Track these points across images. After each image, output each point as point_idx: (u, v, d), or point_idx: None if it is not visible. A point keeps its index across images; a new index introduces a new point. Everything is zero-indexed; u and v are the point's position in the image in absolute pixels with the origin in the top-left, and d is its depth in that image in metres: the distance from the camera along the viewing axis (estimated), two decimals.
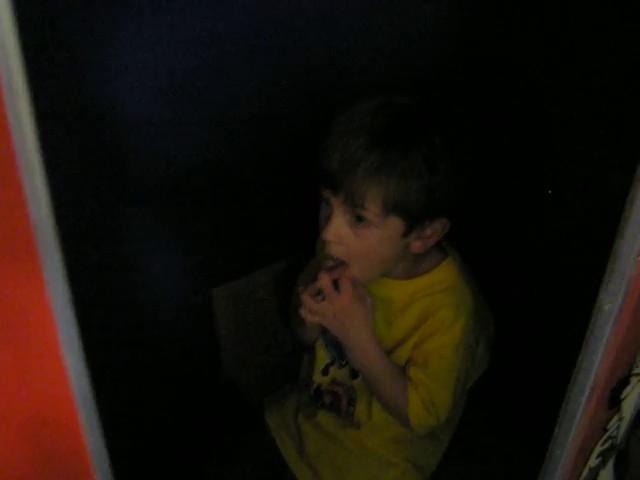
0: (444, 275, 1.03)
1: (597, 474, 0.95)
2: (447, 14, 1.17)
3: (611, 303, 0.63)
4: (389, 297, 1.02)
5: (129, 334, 1.08)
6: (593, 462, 0.88)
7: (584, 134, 0.99)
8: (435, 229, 0.97)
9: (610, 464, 0.97)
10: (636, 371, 0.81)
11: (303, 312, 0.97)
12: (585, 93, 0.99)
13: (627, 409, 0.86)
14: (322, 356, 1.12)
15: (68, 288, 0.37)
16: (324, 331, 1.09)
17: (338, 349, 1.08)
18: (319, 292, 0.96)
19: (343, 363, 1.10)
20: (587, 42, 0.97)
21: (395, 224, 0.93)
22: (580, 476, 0.88)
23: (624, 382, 0.79)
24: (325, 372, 1.12)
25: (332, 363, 1.11)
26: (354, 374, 1.10)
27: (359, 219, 0.92)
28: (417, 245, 0.98)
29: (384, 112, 0.91)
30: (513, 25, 1.10)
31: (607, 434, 0.86)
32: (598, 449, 0.87)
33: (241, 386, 1.36)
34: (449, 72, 1.16)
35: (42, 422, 0.44)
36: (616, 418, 0.85)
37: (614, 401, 0.80)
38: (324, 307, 0.96)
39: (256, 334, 1.34)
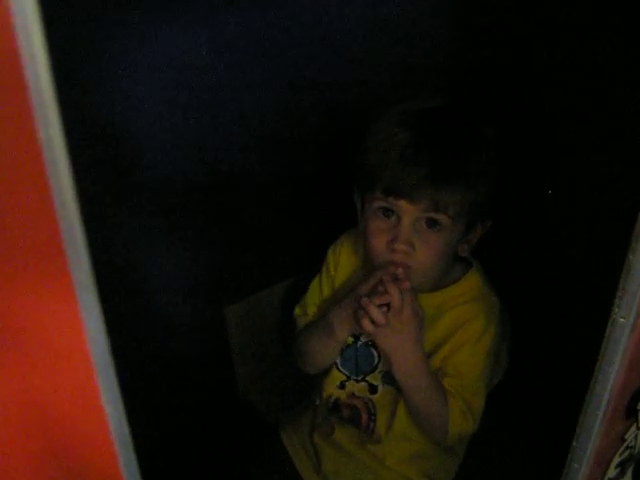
0: (471, 285, 1.03)
1: None
2: (447, 15, 1.17)
3: (624, 318, 0.64)
4: None
5: (142, 354, 1.08)
6: (612, 473, 0.88)
7: (598, 149, 1.00)
8: (478, 230, 1.00)
9: (629, 474, 0.97)
10: None
11: (366, 323, 0.94)
12: (590, 94, 0.99)
13: None
14: (336, 375, 1.12)
15: (97, 299, 0.38)
16: (341, 353, 1.08)
17: (353, 368, 1.08)
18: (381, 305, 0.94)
19: (359, 379, 1.09)
20: (590, 42, 0.97)
21: (460, 226, 0.95)
22: None
23: None
24: (342, 387, 1.12)
25: (348, 379, 1.11)
26: (372, 389, 1.09)
27: (433, 225, 0.93)
28: (463, 248, 1.01)
29: (433, 117, 0.94)
30: (514, 26, 1.10)
31: (625, 444, 0.86)
32: (617, 460, 0.87)
33: (256, 404, 1.36)
34: (448, 74, 1.17)
35: (73, 433, 0.45)
36: (634, 428, 0.85)
37: (631, 412, 0.80)
38: (389, 319, 0.94)
39: (269, 351, 1.35)
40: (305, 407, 1.26)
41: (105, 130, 0.93)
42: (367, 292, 0.95)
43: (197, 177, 1.07)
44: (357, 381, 1.10)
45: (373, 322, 0.94)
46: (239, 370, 1.32)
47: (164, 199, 1.06)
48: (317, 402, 1.17)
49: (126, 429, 0.47)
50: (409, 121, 0.93)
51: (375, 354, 1.08)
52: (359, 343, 1.08)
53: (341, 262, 1.12)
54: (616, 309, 0.63)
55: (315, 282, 1.15)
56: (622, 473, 0.92)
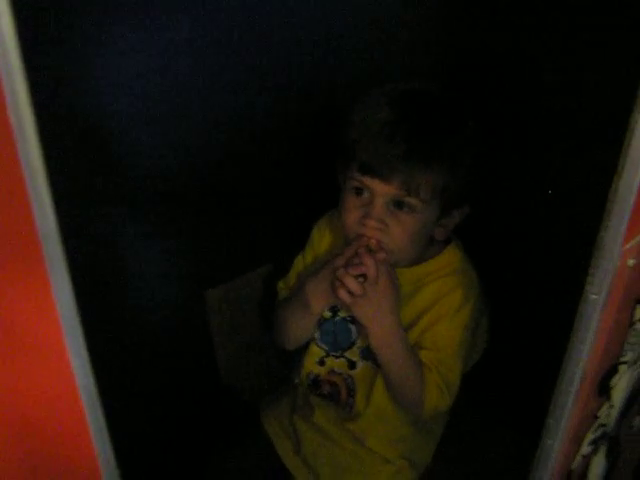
0: (449, 259, 1.04)
1: (589, 461, 0.96)
2: (443, 12, 1.18)
3: (596, 295, 0.65)
4: None
5: (123, 338, 1.09)
6: (585, 450, 0.90)
7: (569, 130, 1.01)
8: (456, 215, 1.00)
9: (602, 451, 0.98)
10: (624, 359, 0.82)
11: (342, 293, 0.95)
12: (570, 91, 1.01)
13: (617, 397, 0.88)
14: (315, 351, 1.13)
15: (72, 292, 0.38)
16: (319, 326, 1.09)
17: (331, 344, 1.09)
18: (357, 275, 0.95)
19: (338, 355, 1.10)
20: (587, 40, 0.98)
21: (433, 210, 0.96)
22: (572, 464, 0.90)
23: (613, 370, 0.81)
24: (321, 363, 1.13)
25: (327, 355, 1.12)
26: (351, 365, 1.10)
27: (400, 206, 0.93)
28: (440, 232, 1.01)
29: (417, 99, 0.95)
30: (510, 23, 1.11)
31: (598, 422, 0.88)
32: (590, 437, 0.88)
33: (237, 387, 1.37)
34: (443, 72, 1.17)
35: (49, 421, 0.45)
36: (606, 406, 0.87)
37: (604, 389, 0.82)
38: (365, 289, 0.95)
39: (249, 335, 1.35)
40: (285, 390, 1.27)
41: (81, 118, 0.93)
42: (343, 264, 0.96)
43: (176, 165, 1.07)
44: (336, 357, 1.11)
45: (350, 293, 0.95)
46: (220, 354, 1.32)
47: (143, 187, 1.05)
48: (296, 381, 1.18)
49: (101, 416, 0.47)
50: (392, 101, 0.93)
51: (353, 330, 1.09)
52: (337, 318, 1.09)
53: (324, 239, 1.13)
54: (588, 286, 0.64)
55: (299, 258, 1.16)
56: (595, 450, 0.94)
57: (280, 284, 1.18)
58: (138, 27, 0.92)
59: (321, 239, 1.14)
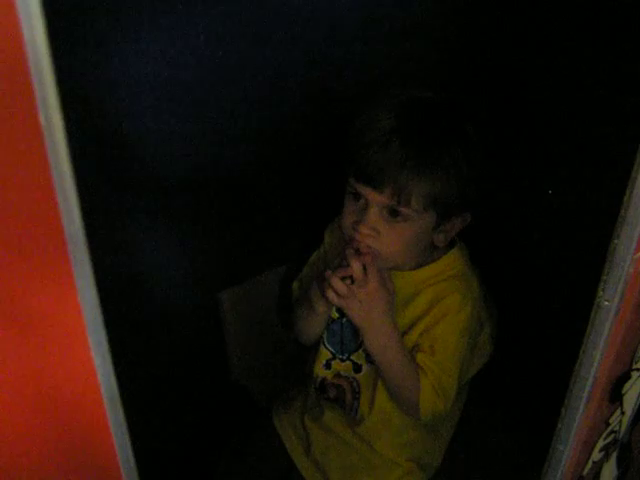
0: (450, 263, 1.04)
1: (600, 468, 0.96)
2: (450, 15, 1.18)
3: (609, 301, 0.65)
4: (396, 287, 1.02)
5: (137, 339, 1.10)
6: (596, 456, 0.90)
7: (582, 133, 1.01)
8: (457, 222, 1.00)
9: (613, 458, 0.98)
10: (636, 366, 0.82)
11: (330, 295, 0.96)
12: (582, 93, 1.00)
13: (628, 403, 0.87)
14: (322, 352, 1.13)
15: (95, 288, 0.39)
16: (327, 326, 1.10)
17: (338, 345, 1.10)
18: (345, 277, 0.96)
19: (344, 358, 1.11)
20: (588, 42, 0.98)
21: (429, 219, 0.95)
22: (584, 470, 0.89)
23: (625, 377, 0.81)
24: (327, 366, 1.13)
25: (333, 358, 1.13)
26: (356, 368, 1.11)
27: (395, 214, 0.94)
28: (439, 238, 1.01)
29: (419, 108, 0.94)
30: (512, 27, 1.11)
31: (609, 428, 0.88)
32: (601, 443, 0.88)
33: (249, 388, 1.38)
34: (446, 74, 1.18)
35: (71, 413, 0.46)
36: (618, 412, 0.87)
37: (615, 395, 0.82)
38: (353, 291, 0.96)
39: (263, 336, 1.36)
40: (297, 391, 1.27)
41: (99, 121, 0.94)
42: (335, 266, 0.98)
43: (191, 168, 1.08)
44: (342, 360, 1.12)
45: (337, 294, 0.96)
46: (232, 355, 1.33)
47: (159, 190, 1.06)
48: (310, 384, 1.19)
49: (120, 412, 0.48)
50: (392, 109, 0.93)
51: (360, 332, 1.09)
52: (344, 319, 1.10)
53: (335, 241, 1.14)
54: (601, 292, 0.64)
55: (312, 259, 1.17)
56: (606, 456, 0.94)
57: (294, 285, 1.19)
58: (150, 27, 0.93)
59: (332, 241, 1.14)
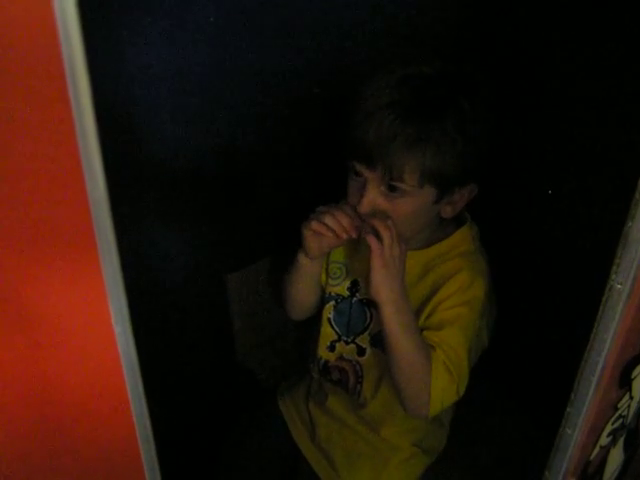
0: (459, 241, 1.04)
1: (608, 453, 0.96)
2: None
3: (621, 284, 0.65)
4: (406, 267, 0.98)
5: (144, 323, 1.09)
6: (604, 441, 0.90)
7: (595, 119, 1.00)
8: (463, 194, 0.99)
9: (620, 443, 0.98)
10: None
11: (371, 238, 0.92)
12: (589, 86, 1.00)
13: (638, 388, 0.87)
14: (328, 332, 1.13)
15: (121, 277, 0.39)
16: (335, 305, 1.10)
17: (345, 326, 1.10)
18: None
19: (349, 340, 1.11)
20: (595, 38, 0.97)
21: (429, 192, 0.94)
22: (591, 455, 0.89)
23: (635, 361, 0.80)
24: (332, 348, 1.13)
25: (338, 340, 1.13)
26: (360, 351, 1.11)
27: (393, 189, 0.93)
28: (447, 210, 1.00)
29: (411, 84, 0.93)
30: (519, 20, 1.10)
31: (618, 413, 0.88)
32: (609, 428, 0.88)
33: (255, 371, 1.38)
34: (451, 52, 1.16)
35: (95, 398, 0.47)
36: (627, 397, 0.87)
37: (625, 380, 0.81)
38: (387, 252, 0.92)
39: (269, 319, 1.36)
40: (302, 375, 1.28)
41: (114, 110, 0.93)
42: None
43: (196, 155, 1.08)
44: (346, 342, 1.11)
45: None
46: (238, 338, 1.33)
47: (165, 173, 1.06)
48: (311, 365, 1.19)
49: (141, 389, 0.49)
50: (387, 85, 0.92)
51: (368, 313, 1.09)
52: (354, 299, 1.09)
53: None
54: (613, 275, 0.64)
55: None
56: (614, 441, 0.94)
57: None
58: (162, 21, 0.92)
59: None
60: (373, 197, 0.94)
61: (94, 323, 0.43)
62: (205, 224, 1.17)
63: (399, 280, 0.94)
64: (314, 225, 0.96)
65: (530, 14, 1.08)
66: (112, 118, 0.94)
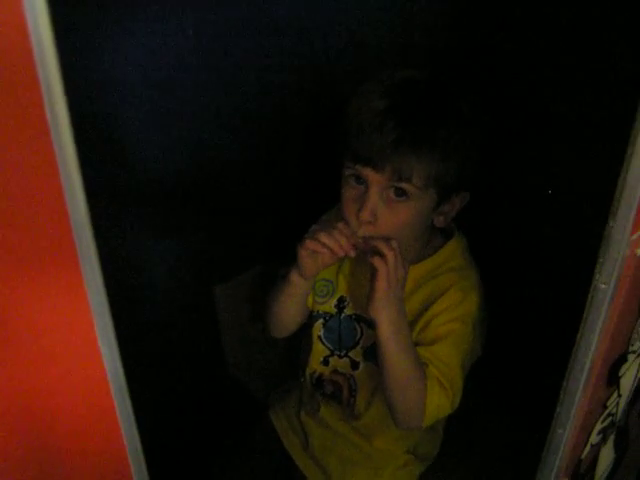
0: (449, 255, 1.04)
1: (598, 451, 0.97)
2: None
3: (605, 284, 0.65)
4: None
5: (132, 335, 1.09)
6: (594, 439, 0.90)
7: (576, 120, 1.01)
8: (456, 202, 0.99)
9: (611, 441, 0.99)
10: (633, 348, 0.83)
11: (376, 259, 0.91)
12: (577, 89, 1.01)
13: (625, 386, 0.88)
14: (319, 349, 1.13)
15: (103, 285, 0.39)
16: (324, 323, 1.10)
17: (336, 342, 1.10)
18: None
19: (342, 354, 1.11)
20: (589, 39, 0.98)
21: (430, 198, 0.95)
22: (582, 454, 0.90)
23: (622, 359, 0.81)
24: (325, 363, 1.13)
25: (331, 354, 1.12)
26: (354, 364, 1.11)
27: (399, 194, 0.93)
28: (440, 220, 1.00)
29: (411, 87, 0.94)
30: (511, 23, 1.11)
31: (607, 411, 0.88)
32: (599, 426, 0.89)
33: (245, 383, 1.37)
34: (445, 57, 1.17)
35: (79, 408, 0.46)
36: (615, 395, 0.87)
37: (613, 378, 0.82)
38: (392, 275, 0.91)
39: (257, 331, 1.35)
40: (293, 386, 1.27)
41: (93, 121, 0.93)
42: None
43: (184, 162, 1.08)
44: (340, 357, 1.11)
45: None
46: (227, 349, 1.33)
47: (152, 184, 1.06)
48: (302, 379, 1.18)
49: (129, 406, 0.49)
50: (385, 89, 0.93)
51: (358, 328, 1.09)
52: (343, 315, 1.09)
53: None
54: (597, 275, 0.64)
55: None
56: (604, 440, 0.94)
57: (281, 271, 1.16)
58: (144, 24, 0.92)
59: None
60: (375, 203, 0.93)
61: (79, 342, 0.43)
62: (192, 235, 1.17)
63: (400, 301, 0.94)
64: (310, 244, 0.94)
65: (522, 19, 1.09)
66: (92, 130, 0.94)
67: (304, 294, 1.06)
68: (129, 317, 1.04)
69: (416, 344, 0.98)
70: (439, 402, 0.95)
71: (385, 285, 0.90)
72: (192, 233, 1.16)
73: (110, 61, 0.91)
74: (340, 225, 0.94)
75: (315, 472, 1.19)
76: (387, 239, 0.93)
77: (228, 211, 1.18)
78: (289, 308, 1.09)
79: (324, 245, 0.93)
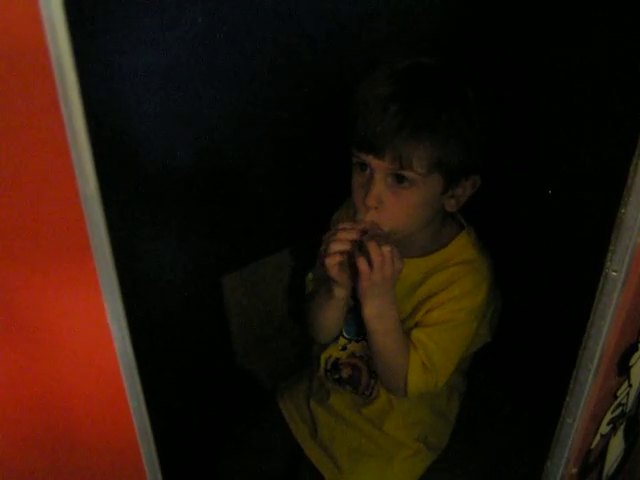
0: (460, 248, 1.04)
1: (608, 442, 0.96)
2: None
3: (616, 272, 0.65)
4: (404, 275, 0.99)
5: (141, 325, 1.09)
6: (604, 429, 0.90)
7: (588, 107, 1.00)
8: (467, 186, 0.99)
9: (621, 431, 0.99)
10: None
11: (361, 261, 0.92)
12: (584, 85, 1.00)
13: (636, 376, 0.87)
14: (340, 341, 1.13)
15: (116, 280, 0.39)
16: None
17: (356, 332, 1.09)
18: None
19: (359, 339, 1.11)
20: (591, 35, 0.97)
21: (436, 182, 0.94)
22: (592, 444, 0.90)
23: (632, 349, 0.81)
24: (343, 348, 1.13)
25: (349, 342, 1.12)
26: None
27: (401, 180, 0.93)
28: (451, 203, 1.00)
29: (417, 73, 0.94)
30: (513, 19, 1.10)
31: (617, 401, 0.88)
32: (609, 416, 0.88)
33: (253, 372, 1.38)
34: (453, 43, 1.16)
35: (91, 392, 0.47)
36: (625, 385, 0.87)
37: (623, 368, 0.81)
38: (376, 275, 0.93)
39: (265, 320, 1.36)
40: (302, 374, 1.27)
41: (105, 122, 0.93)
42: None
43: (194, 152, 1.08)
44: (357, 341, 1.11)
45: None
46: (235, 339, 1.33)
47: (161, 177, 1.06)
48: (317, 366, 1.18)
49: (141, 395, 0.49)
50: (390, 77, 0.93)
51: None
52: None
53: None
54: (608, 263, 0.64)
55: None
56: (614, 430, 0.94)
57: (308, 276, 1.17)
58: (150, 23, 0.92)
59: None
60: (380, 189, 0.93)
61: (90, 324, 0.43)
62: (200, 225, 1.17)
63: (387, 296, 0.96)
64: (331, 260, 0.94)
65: (527, 15, 1.08)
66: (101, 121, 0.94)
67: (346, 299, 1.06)
68: (138, 303, 1.05)
69: (416, 325, 1.02)
70: (419, 381, 1.01)
71: (367, 284, 0.93)
72: (201, 223, 1.17)
73: (117, 53, 0.91)
74: (340, 226, 0.95)
75: (324, 461, 1.19)
76: (385, 237, 0.93)
77: (235, 202, 1.18)
78: (335, 317, 1.08)
79: (341, 252, 0.93)
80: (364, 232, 0.93)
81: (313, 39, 1.10)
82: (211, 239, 1.19)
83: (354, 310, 1.08)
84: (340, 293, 1.01)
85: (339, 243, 0.93)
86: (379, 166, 0.92)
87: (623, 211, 0.61)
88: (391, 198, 0.94)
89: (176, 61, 0.97)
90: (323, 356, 1.14)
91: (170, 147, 1.05)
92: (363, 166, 0.95)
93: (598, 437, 0.90)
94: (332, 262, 0.94)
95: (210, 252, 1.21)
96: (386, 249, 0.91)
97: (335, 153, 1.11)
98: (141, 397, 0.48)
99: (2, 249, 0.38)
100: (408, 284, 1.02)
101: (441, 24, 1.18)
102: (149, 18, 0.92)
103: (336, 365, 1.14)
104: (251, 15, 1.02)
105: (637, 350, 0.82)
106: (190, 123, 1.05)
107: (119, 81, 0.93)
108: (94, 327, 0.43)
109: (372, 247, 0.91)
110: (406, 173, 0.92)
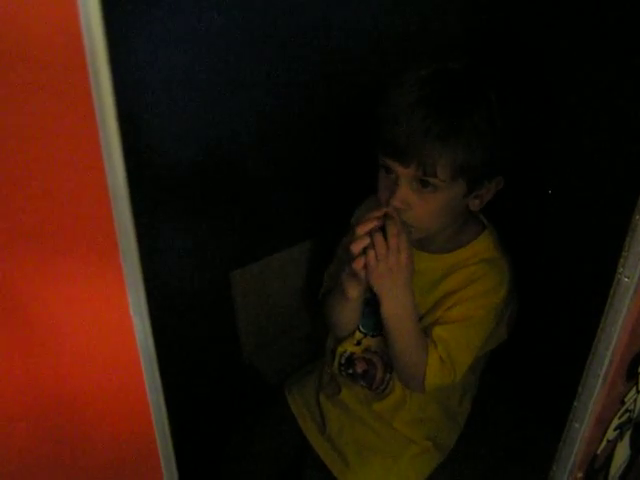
0: (482, 247, 1.05)
1: (614, 447, 0.96)
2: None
3: (629, 278, 0.65)
4: (425, 269, 1.03)
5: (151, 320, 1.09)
6: (611, 435, 0.90)
7: (603, 113, 1.00)
8: (491, 187, 1.00)
9: (627, 437, 0.98)
10: None
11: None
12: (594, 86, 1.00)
13: None
14: (356, 336, 1.14)
15: (141, 275, 0.40)
16: (363, 312, 1.10)
17: (373, 327, 1.10)
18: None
19: (375, 334, 1.11)
20: (600, 36, 0.97)
21: (459, 186, 0.96)
22: (598, 449, 0.89)
23: None
24: (358, 343, 1.14)
25: (365, 336, 1.13)
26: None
27: (425, 185, 0.94)
28: (475, 203, 1.02)
29: (440, 79, 0.95)
30: (525, 22, 1.10)
31: (624, 407, 0.88)
32: (616, 422, 0.88)
33: (261, 368, 1.38)
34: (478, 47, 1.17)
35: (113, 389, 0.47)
36: (634, 391, 0.87)
37: (632, 374, 0.81)
38: (388, 258, 0.95)
39: (273, 316, 1.36)
40: (311, 369, 1.28)
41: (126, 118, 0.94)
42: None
43: (203, 149, 1.08)
44: (373, 336, 1.12)
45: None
46: (243, 336, 1.33)
47: (171, 173, 1.07)
48: (329, 360, 1.19)
49: (158, 382, 0.49)
50: (415, 82, 0.94)
51: None
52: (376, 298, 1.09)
53: None
54: (621, 269, 0.64)
55: (343, 243, 1.16)
56: (620, 436, 0.94)
57: (325, 275, 1.19)
58: (163, 21, 0.93)
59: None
60: (406, 193, 0.95)
61: (112, 314, 0.43)
62: (209, 221, 1.17)
63: (403, 295, 0.98)
64: (357, 265, 0.96)
65: (536, 15, 1.08)
66: (124, 119, 0.95)
67: (360, 299, 1.08)
68: (149, 299, 1.05)
69: (435, 321, 1.03)
70: (436, 377, 1.02)
71: (375, 275, 0.95)
72: (210, 219, 1.17)
73: (132, 49, 0.91)
74: (367, 216, 0.96)
75: (332, 457, 1.20)
76: (403, 226, 0.95)
77: (245, 198, 1.18)
78: (350, 317, 1.11)
79: (365, 234, 0.95)
80: (384, 217, 0.95)
81: (325, 43, 1.11)
82: (220, 235, 1.20)
83: (372, 303, 1.08)
84: (354, 293, 1.02)
85: (366, 225, 0.95)
86: (403, 172, 0.94)
87: (638, 217, 0.61)
88: (416, 201, 0.96)
89: (193, 60, 0.98)
90: (339, 350, 1.15)
91: (181, 143, 1.05)
92: (388, 170, 0.96)
93: (605, 442, 0.90)
94: (360, 266, 0.96)
95: (218, 248, 1.21)
96: (392, 240, 0.93)
97: (348, 151, 1.11)
98: (160, 390, 0.48)
99: (28, 243, 0.39)
100: (429, 280, 1.04)
101: (463, 25, 1.18)
102: (173, 23, 0.92)
103: (350, 360, 1.14)
104: (267, 15, 1.02)
105: None
106: (206, 121, 1.05)
107: (131, 75, 0.94)
108: (115, 316, 0.44)
109: (378, 239, 0.94)
110: (430, 180, 0.93)
